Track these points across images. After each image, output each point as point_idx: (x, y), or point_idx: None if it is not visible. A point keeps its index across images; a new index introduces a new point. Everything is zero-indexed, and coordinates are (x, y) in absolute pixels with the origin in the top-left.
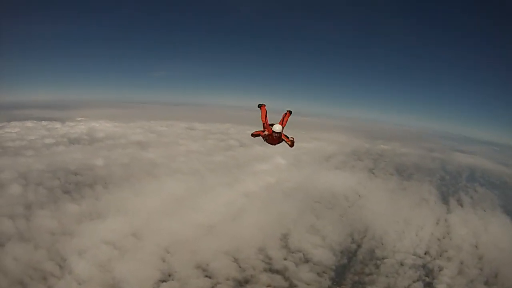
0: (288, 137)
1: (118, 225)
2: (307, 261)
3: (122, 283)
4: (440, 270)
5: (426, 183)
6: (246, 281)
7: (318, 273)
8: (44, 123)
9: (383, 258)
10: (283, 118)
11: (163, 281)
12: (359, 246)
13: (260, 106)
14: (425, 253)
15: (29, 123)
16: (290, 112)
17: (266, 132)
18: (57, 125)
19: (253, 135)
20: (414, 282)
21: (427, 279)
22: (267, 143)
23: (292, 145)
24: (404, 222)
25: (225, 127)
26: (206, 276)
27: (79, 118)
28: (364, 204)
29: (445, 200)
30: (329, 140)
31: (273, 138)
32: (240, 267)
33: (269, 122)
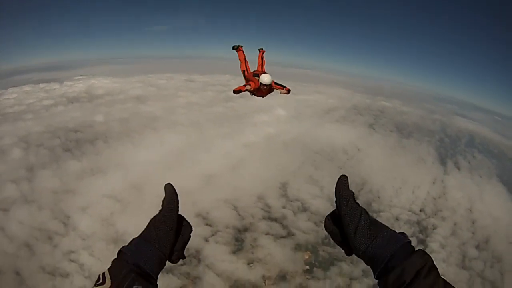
0: (281, 85)
1: (118, 178)
2: (305, 210)
3: (125, 235)
4: (434, 229)
5: (425, 143)
6: (245, 229)
7: (315, 222)
8: (41, 85)
9: (379, 212)
10: (260, 60)
11: None
12: (356, 197)
13: (236, 48)
14: (420, 210)
15: (27, 88)
16: (263, 50)
17: (249, 87)
18: (55, 86)
19: (235, 91)
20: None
21: (421, 236)
22: (255, 96)
23: (288, 92)
24: (401, 179)
25: (225, 79)
26: (207, 224)
27: (77, 77)
28: (363, 158)
29: (442, 161)
30: (330, 94)
31: (261, 91)
32: (239, 215)
33: (250, 70)
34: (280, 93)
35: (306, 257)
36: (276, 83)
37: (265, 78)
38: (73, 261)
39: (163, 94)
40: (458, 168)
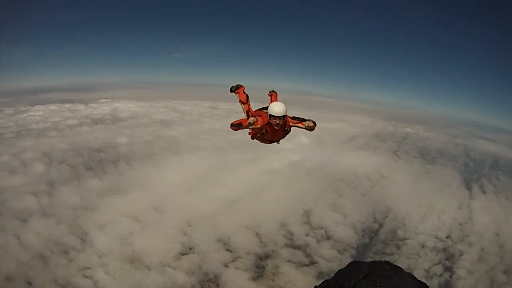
0: (300, 119)
1: (140, 199)
2: (328, 238)
3: (142, 255)
4: (460, 255)
5: (449, 168)
6: (267, 256)
7: (339, 251)
8: (67, 105)
9: (404, 239)
10: (271, 100)
11: (184, 254)
12: (381, 225)
13: (234, 90)
14: (447, 237)
15: (52, 106)
16: (275, 93)
17: (253, 121)
18: (81, 107)
19: (234, 125)
20: (434, 265)
21: (448, 263)
22: (260, 143)
23: (312, 128)
24: (427, 205)
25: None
26: (227, 250)
27: (103, 100)
28: (386, 185)
29: (468, 186)
30: (352, 122)
31: (273, 129)
32: (261, 241)
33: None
34: (304, 127)
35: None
36: (293, 117)
37: (275, 108)
38: (87, 277)
39: (187, 120)
40: (484, 192)
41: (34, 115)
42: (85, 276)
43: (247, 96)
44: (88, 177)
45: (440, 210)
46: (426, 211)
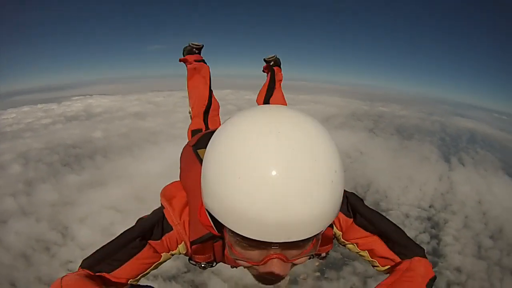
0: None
1: (119, 190)
2: None
3: None
4: (445, 223)
5: (427, 143)
6: None
7: None
8: (40, 105)
9: (388, 210)
10: (269, 86)
11: None
12: (363, 198)
13: (189, 52)
14: (430, 206)
15: (25, 108)
16: (277, 66)
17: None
18: (53, 106)
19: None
20: (420, 233)
21: (434, 231)
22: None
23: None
24: (407, 178)
25: (224, 94)
26: None
27: (75, 97)
28: (366, 161)
29: (446, 159)
30: (328, 103)
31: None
32: None
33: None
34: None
35: (317, 263)
36: (358, 211)
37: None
38: (70, 271)
39: (162, 110)
40: (463, 164)
41: (7, 118)
42: (68, 270)
43: (210, 72)
44: (66, 173)
45: (421, 182)
46: (407, 183)
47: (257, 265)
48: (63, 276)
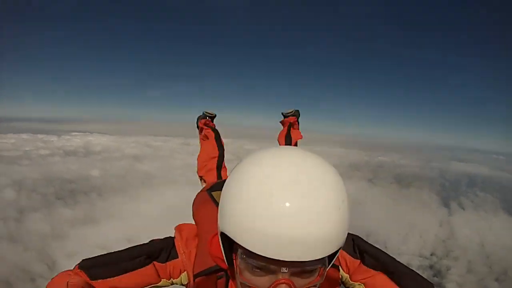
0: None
1: (111, 230)
2: None
3: None
4: (448, 270)
5: (426, 190)
6: None
7: None
8: (40, 136)
9: None
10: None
11: None
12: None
13: (203, 119)
14: (431, 254)
15: (25, 135)
16: (296, 117)
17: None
18: (53, 138)
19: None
20: None
21: (436, 279)
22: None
23: None
24: (407, 226)
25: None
26: None
27: (75, 133)
28: (364, 210)
29: (446, 204)
30: (326, 153)
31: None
32: None
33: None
34: None
35: None
36: (365, 251)
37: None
38: None
39: (159, 155)
40: (463, 208)
41: (6, 143)
42: None
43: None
44: (59, 206)
45: (421, 229)
46: (407, 231)
47: None
48: (69, 277)
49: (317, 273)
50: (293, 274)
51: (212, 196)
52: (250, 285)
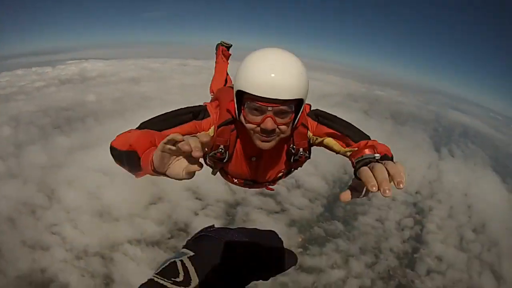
0: (357, 137)
1: (108, 153)
2: (299, 187)
3: (111, 208)
4: (430, 210)
5: (420, 131)
6: (237, 203)
7: (310, 199)
8: (34, 69)
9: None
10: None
11: (153, 203)
12: (351, 177)
13: (220, 46)
14: (416, 192)
15: (19, 71)
16: (226, 47)
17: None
18: (48, 69)
19: (115, 151)
20: (405, 217)
21: (418, 217)
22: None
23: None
24: (397, 161)
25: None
26: (197, 198)
27: (70, 61)
28: None
29: (437, 148)
30: (325, 81)
31: (250, 146)
32: (231, 189)
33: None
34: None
35: (299, 239)
36: (321, 115)
37: (262, 67)
38: (54, 234)
39: (157, 76)
40: (452, 156)
41: (1, 82)
42: (52, 233)
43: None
44: (56, 135)
45: (410, 167)
46: None
47: (258, 124)
48: (126, 132)
49: (288, 117)
50: (275, 113)
51: (225, 85)
52: (251, 122)
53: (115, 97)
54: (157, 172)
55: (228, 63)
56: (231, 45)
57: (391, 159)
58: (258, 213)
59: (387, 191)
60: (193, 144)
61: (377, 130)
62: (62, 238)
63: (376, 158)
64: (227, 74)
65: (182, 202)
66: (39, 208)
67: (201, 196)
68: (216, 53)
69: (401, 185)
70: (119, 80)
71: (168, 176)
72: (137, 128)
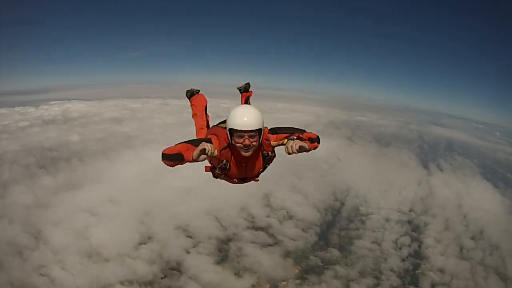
0: (290, 131)
1: (94, 193)
2: (291, 217)
3: (100, 248)
4: (426, 226)
5: (405, 150)
6: (229, 239)
7: (303, 229)
8: (17, 108)
9: (368, 215)
10: (245, 101)
11: (143, 243)
12: (342, 204)
13: (190, 96)
14: (410, 210)
15: (2, 110)
16: (247, 91)
17: (202, 149)
18: (31, 109)
19: (168, 156)
20: (401, 236)
21: (414, 234)
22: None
23: (314, 147)
24: (386, 183)
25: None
26: (187, 236)
27: (53, 102)
28: (344, 167)
29: (425, 165)
30: (306, 112)
31: (239, 157)
32: (222, 225)
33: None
34: (302, 147)
35: (296, 271)
36: (276, 130)
37: (240, 115)
38: (43, 275)
39: (138, 117)
40: (441, 170)
41: None
42: (41, 274)
43: (206, 108)
44: (41, 175)
45: (400, 186)
46: (386, 188)
47: (242, 143)
48: (172, 146)
49: (256, 137)
50: (249, 136)
51: (217, 125)
52: (238, 142)
53: (98, 137)
54: (194, 160)
55: (206, 119)
56: (199, 90)
57: (317, 138)
58: (252, 247)
59: (289, 148)
60: (207, 148)
61: (361, 154)
62: (51, 280)
63: (293, 138)
64: (206, 114)
65: (173, 240)
66: (26, 249)
67: (191, 234)
68: (189, 100)
69: (289, 150)
70: (101, 120)
71: (197, 161)
72: (176, 144)
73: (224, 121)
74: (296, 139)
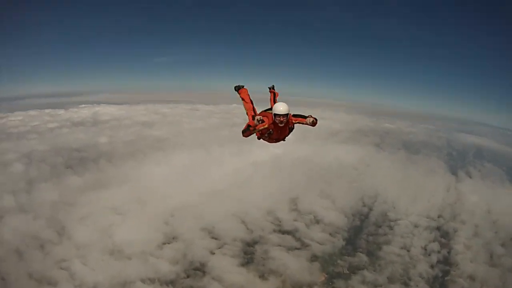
0: (302, 116)
1: (121, 193)
2: (318, 222)
3: (123, 246)
4: (455, 232)
5: (434, 157)
6: (255, 242)
7: (330, 233)
8: (47, 110)
9: (396, 220)
10: (273, 102)
11: (167, 243)
12: (370, 209)
13: (238, 89)
14: (439, 216)
15: (32, 112)
16: (274, 89)
17: (260, 120)
18: (61, 111)
19: (246, 131)
20: (430, 242)
21: (443, 240)
22: (267, 143)
23: (314, 123)
24: (415, 189)
25: (230, 108)
26: (213, 238)
27: (83, 105)
28: (373, 173)
29: (453, 172)
30: (334, 119)
31: (278, 127)
32: (248, 228)
33: (257, 112)
34: (305, 123)
35: (323, 278)
36: (295, 115)
37: (279, 107)
38: (63, 269)
39: (169, 121)
40: (470, 176)
41: (14, 120)
42: (61, 268)
43: (249, 96)
44: (68, 175)
45: (429, 192)
46: (415, 194)
47: (279, 120)
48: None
49: (286, 118)
50: (283, 116)
51: (265, 111)
52: (278, 120)
53: (127, 139)
54: (254, 126)
55: (251, 103)
56: (243, 85)
57: (316, 120)
58: (278, 250)
59: (310, 120)
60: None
61: (390, 161)
62: (71, 274)
63: (309, 116)
64: (251, 100)
65: (197, 241)
66: (48, 243)
67: (216, 235)
68: (238, 93)
69: (308, 121)
70: (131, 123)
71: (256, 128)
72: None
73: (269, 109)
74: (308, 117)
